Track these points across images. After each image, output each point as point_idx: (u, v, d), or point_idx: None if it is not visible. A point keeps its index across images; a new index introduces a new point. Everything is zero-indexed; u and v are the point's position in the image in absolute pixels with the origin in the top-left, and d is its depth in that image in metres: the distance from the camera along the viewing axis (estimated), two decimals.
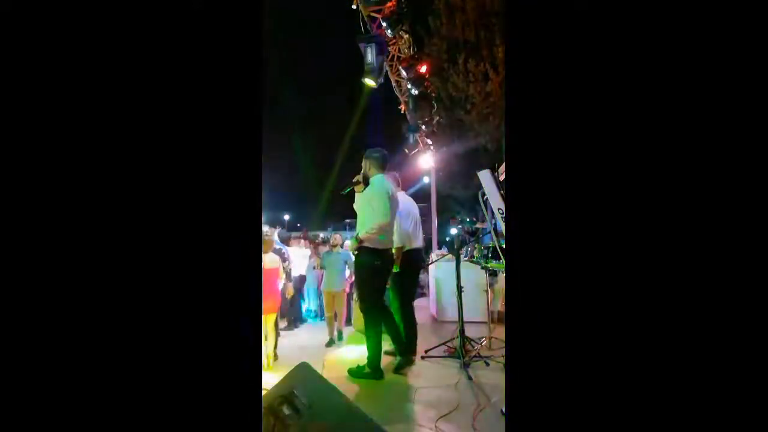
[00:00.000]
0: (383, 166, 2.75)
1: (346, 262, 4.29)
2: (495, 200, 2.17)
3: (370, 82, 4.88)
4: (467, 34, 7.77)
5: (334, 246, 4.40)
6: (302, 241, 6.17)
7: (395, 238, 2.79)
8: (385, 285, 2.75)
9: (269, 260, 3.27)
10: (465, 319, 3.07)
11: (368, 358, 2.61)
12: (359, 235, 2.59)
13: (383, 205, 2.54)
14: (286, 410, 1.37)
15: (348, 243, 4.38)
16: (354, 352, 3.61)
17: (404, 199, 3.09)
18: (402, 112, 7.52)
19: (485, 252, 3.08)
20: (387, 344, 2.79)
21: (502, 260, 2.69)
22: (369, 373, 2.58)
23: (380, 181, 2.66)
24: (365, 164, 2.75)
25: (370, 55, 4.70)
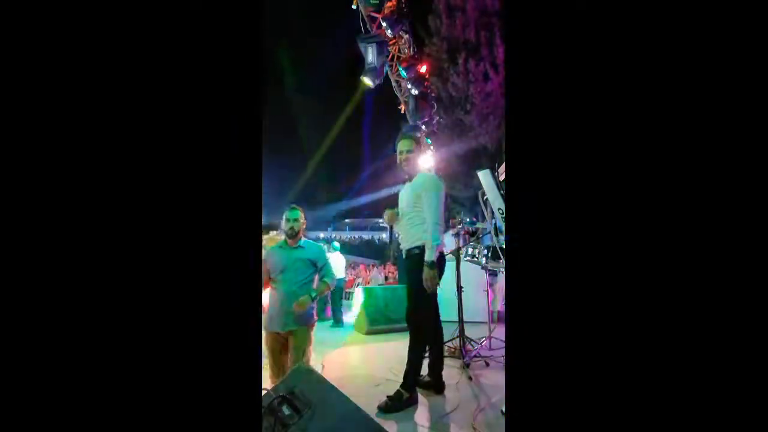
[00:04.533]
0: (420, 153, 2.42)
1: (314, 265, 2.29)
2: (495, 200, 2.17)
3: (368, 81, 4.90)
4: (467, 34, 7.78)
5: (291, 235, 2.29)
6: None
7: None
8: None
9: None
10: (465, 319, 3.07)
11: (405, 377, 2.14)
12: (419, 245, 2.15)
13: (438, 203, 2.15)
14: (286, 410, 1.37)
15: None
16: (355, 353, 3.61)
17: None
18: (402, 112, 7.53)
19: (485, 252, 3.08)
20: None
21: (502, 260, 2.69)
22: (408, 398, 2.08)
23: (432, 177, 2.29)
24: (410, 147, 2.32)
25: (371, 55, 4.71)
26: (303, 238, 2.36)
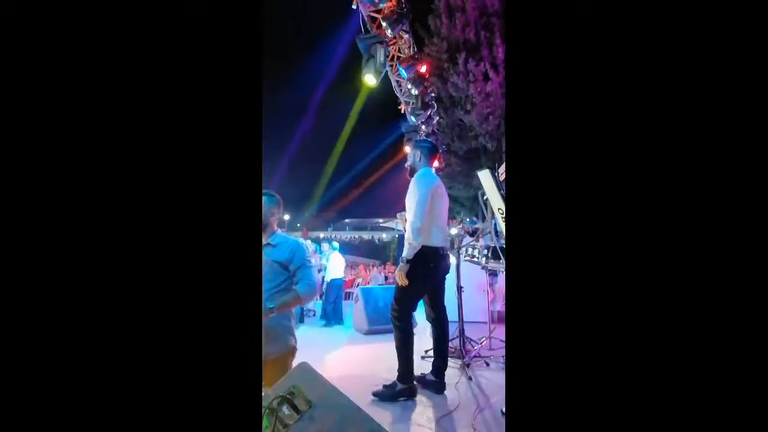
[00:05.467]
0: (432, 158, 2.53)
1: (287, 268, 1.72)
2: (495, 200, 2.17)
3: (371, 80, 4.89)
4: (467, 34, 7.79)
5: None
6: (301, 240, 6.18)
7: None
8: (426, 290, 2.40)
9: None
10: (465, 319, 3.07)
11: (399, 371, 2.22)
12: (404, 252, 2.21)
13: (422, 204, 2.22)
14: (286, 410, 1.37)
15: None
16: (355, 353, 3.61)
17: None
18: (402, 112, 7.53)
19: (485, 252, 3.08)
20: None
21: (502, 260, 2.69)
22: (403, 389, 2.17)
23: (423, 177, 2.34)
24: (415, 155, 2.51)
25: (383, 56, 4.70)
26: (278, 232, 1.79)
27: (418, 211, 2.20)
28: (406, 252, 2.21)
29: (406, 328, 2.24)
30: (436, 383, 2.31)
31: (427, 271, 2.26)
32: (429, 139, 2.62)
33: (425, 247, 2.22)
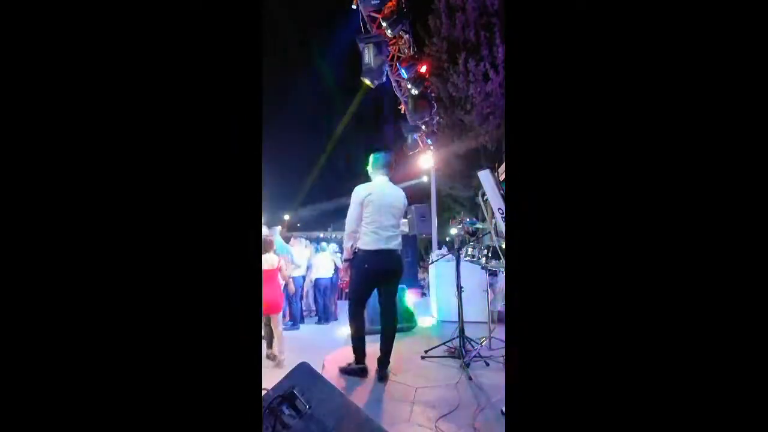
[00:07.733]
0: (386, 166, 2.73)
1: None
2: (495, 200, 2.17)
3: (368, 81, 4.89)
4: (467, 34, 7.80)
5: None
6: (303, 240, 6.22)
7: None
8: (371, 287, 2.67)
9: (267, 261, 3.29)
10: (465, 319, 3.07)
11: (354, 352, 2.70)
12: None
13: (351, 212, 2.59)
14: (286, 410, 1.37)
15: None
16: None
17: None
18: (402, 112, 7.52)
19: (485, 252, 3.07)
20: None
21: (502, 260, 2.69)
22: (354, 368, 2.62)
23: (358, 188, 2.63)
24: (369, 164, 2.77)
25: (368, 56, 4.71)
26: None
27: (347, 219, 2.60)
28: (344, 253, 2.70)
29: (355, 316, 2.62)
30: (358, 370, 2.59)
31: (362, 271, 2.55)
32: (385, 152, 2.79)
33: (360, 250, 2.55)
